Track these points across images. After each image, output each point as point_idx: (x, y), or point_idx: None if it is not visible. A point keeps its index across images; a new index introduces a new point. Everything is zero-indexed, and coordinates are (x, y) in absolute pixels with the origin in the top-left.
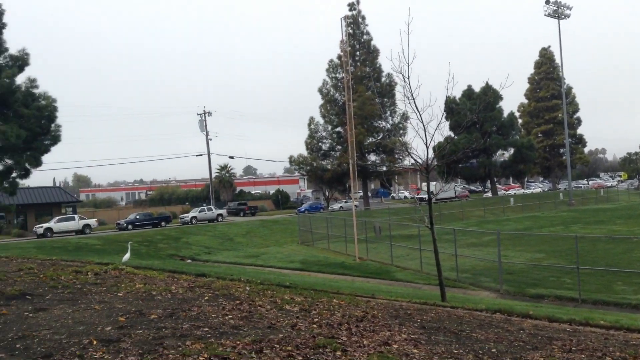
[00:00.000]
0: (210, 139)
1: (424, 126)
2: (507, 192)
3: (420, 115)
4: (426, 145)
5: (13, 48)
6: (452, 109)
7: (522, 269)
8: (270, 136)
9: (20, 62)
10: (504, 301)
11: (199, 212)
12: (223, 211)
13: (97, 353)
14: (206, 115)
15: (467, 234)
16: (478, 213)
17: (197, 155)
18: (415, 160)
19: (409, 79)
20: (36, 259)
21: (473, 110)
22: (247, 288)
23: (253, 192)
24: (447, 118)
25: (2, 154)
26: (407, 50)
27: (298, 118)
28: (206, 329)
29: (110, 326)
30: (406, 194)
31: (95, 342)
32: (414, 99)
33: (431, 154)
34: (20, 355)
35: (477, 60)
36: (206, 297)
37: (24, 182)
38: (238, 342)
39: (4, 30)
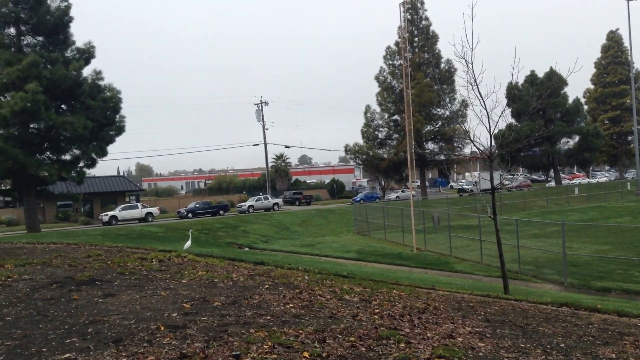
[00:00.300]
0: (267, 129)
1: (487, 113)
2: (572, 182)
3: (484, 102)
4: (490, 133)
5: (79, 41)
6: (514, 95)
7: (587, 261)
8: (326, 125)
9: (87, 54)
10: (569, 294)
11: (256, 201)
12: (279, 200)
13: (165, 339)
14: (263, 105)
15: (530, 225)
16: (541, 203)
17: (254, 145)
18: (478, 148)
19: (472, 64)
20: (103, 246)
21: (537, 97)
22: (306, 277)
23: (308, 181)
24: (508, 105)
25: (70, 144)
26: (471, 35)
27: (354, 107)
28: (268, 317)
29: (176, 312)
30: (465, 183)
31: (162, 328)
32: (477, 85)
33: (493, 142)
34: (92, 339)
35: (540, 45)
36: (266, 286)
37: (90, 172)
38: (300, 331)
39: (70, 24)
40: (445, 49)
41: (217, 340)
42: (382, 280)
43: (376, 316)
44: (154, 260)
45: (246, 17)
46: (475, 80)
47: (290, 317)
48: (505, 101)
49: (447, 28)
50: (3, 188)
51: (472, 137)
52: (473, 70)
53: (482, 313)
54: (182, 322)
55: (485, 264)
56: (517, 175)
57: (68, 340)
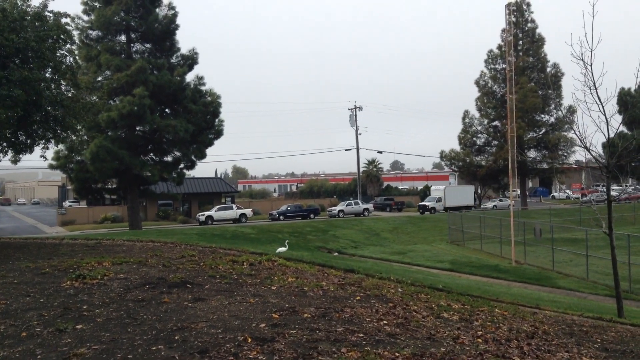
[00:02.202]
0: (360, 134)
1: (606, 119)
2: None
3: (603, 107)
4: (608, 141)
5: (183, 48)
6: (626, 102)
7: None
8: (419, 131)
9: (190, 61)
10: None
11: (346, 205)
12: (369, 205)
13: (252, 352)
14: (356, 110)
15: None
16: None
17: (346, 150)
18: (595, 158)
19: (591, 66)
20: (197, 246)
21: None
22: (399, 289)
23: (400, 187)
24: (619, 112)
25: (171, 146)
26: (591, 34)
27: (448, 113)
28: (361, 335)
29: (264, 323)
30: (569, 193)
31: (249, 340)
32: (596, 89)
33: (601, 150)
34: (177, 348)
35: None
36: (357, 297)
37: (190, 173)
38: (397, 354)
39: (176, 32)
40: (552, 52)
41: (306, 358)
42: (481, 296)
43: (480, 340)
44: (244, 263)
45: (343, 27)
46: (595, 84)
47: (384, 335)
48: (616, 108)
49: (554, 30)
50: (109, 187)
51: (588, 145)
52: (592, 73)
53: (598, 340)
54: (270, 334)
55: (591, 280)
56: (627, 186)
57: (154, 348)
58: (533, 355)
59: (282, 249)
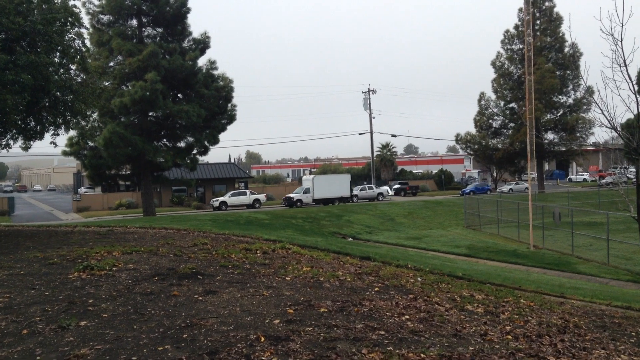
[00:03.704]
0: (374, 117)
1: (637, 98)
2: None
3: (633, 85)
4: (637, 120)
5: (195, 32)
6: None
7: None
8: (434, 114)
9: (202, 45)
10: None
11: (360, 190)
12: (384, 190)
13: (265, 353)
14: (370, 93)
15: None
16: None
17: (359, 134)
18: (624, 139)
19: (621, 42)
20: (210, 233)
21: None
22: (419, 279)
23: (414, 171)
24: (638, 91)
25: (184, 132)
26: (622, 7)
27: (464, 95)
28: (382, 332)
29: (278, 319)
30: (585, 176)
31: (262, 339)
32: (626, 67)
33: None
34: (186, 348)
35: None
36: (376, 288)
37: (203, 159)
38: (422, 355)
39: (188, 15)
40: (572, 30)
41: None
42: (503, 284)
43: (509, 336)
44: (258, 251)
45: (357, 11)
46: (625, 61)
47: (407, 332)
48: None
49: (575, 8)
50: (123, 173)
51: (616, 126)
52: (622, 49)
53: (634, 334)
54: (285, 332)
55: (612, 265)
56: None
57: (160, 348)
58: (569, 355)
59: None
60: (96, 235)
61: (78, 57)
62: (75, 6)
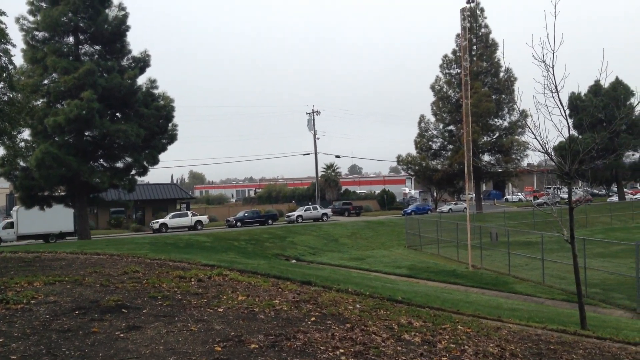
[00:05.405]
0: (318, 138)
1: (568, 124)
2: (635, 197)
3: (565, 111)
4: (569, 146)
5: (135, 49)
6: (576, 106)
7: None
8: (377, 135)
9: (142, 63)
10: None
11: (305, 210)
12: (328, 210)
13: None
14: (314, 114)
15: (593, 243)
16: (604, 219)
17: (304, 154)
18: (555, 162)
19: (553, 68)
20: (145, 258)
21: (599, 108)
22: (357, 305)
23: (358, 191)
24: (570, 116)
25: (122, 152)
26: (553, 35)
27: (406, 117)
28: None
29: (204, 357)
30: (521, 196)
31: None
32: (557, 92)
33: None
34: None
35: (605, 55)
36: (312, 318)
37: (144, 179)
38: None
39: (127, 33)
40: (507, 55)
41: None
42: (442, 308)
43: None
44: (192, 279)
45: (298, 26)
46: (556, 87)
47: None
48: (564, 110)
49: (509, 35)
50: (57, 194)
51: (549, 150)
52: (554, 75)
53: None
54: None
55: (547, 285)
56: (577, 189)
57: None
58: None
59: None
60: (21, 262)
61: (4, 74)
62: (1, 22)
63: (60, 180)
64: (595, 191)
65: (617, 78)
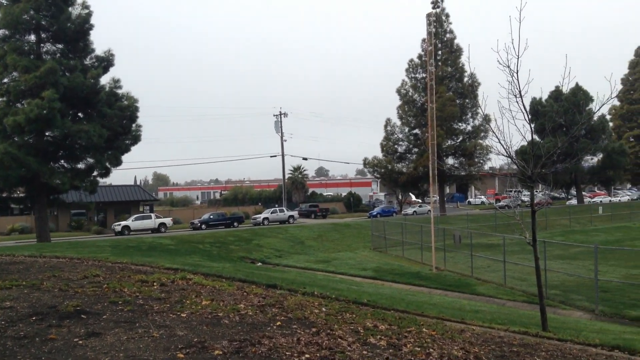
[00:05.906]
0: (285, 140)
1: (531, 128)
2: (593, 200)
3: (528, 116)
4: (532, 150)
5: (99, 49)
6: (537, 111)
7: (618, 287)
8: (344, 138)
9: (106, 63)
10: (605, 325)
11: (271, 213)
12: (295, 213)
13: None
14: (282, 116)
15: (553, 245)
16: (563, 222)
17: (271, 156)
18: (518, 166)
19: (517, 73)
20: (107, 262)
21: (560, 113)
22: (323, 309)
23: (325, 194)
24: (531, 121)
25: (84, 152)
26: (517, 40)
27: (373, 120)
28: None
29: None
30: (483, 199)
31: None
32: (522, 97)
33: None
34: None
35: (563, 61)
36: (278, 322)
37: (106, 181)
38: None
39: (91, 32)
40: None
41: None
42: (406, 311)
43: None
44: (155, 284)
45: (266, 29)
46: (520, 92)
47: None
48: (526, 116)
49: (475, 40)
50: (15, 196)
51: (512, 155)
52: (518, 80)
53: None
54: None
55: (508, 286)
56: (538, 192)
57: None
58: None
59: None
60: None
61: None
62: None
63: (19, 181)
64: (555, 194)
65: (577, 84)
